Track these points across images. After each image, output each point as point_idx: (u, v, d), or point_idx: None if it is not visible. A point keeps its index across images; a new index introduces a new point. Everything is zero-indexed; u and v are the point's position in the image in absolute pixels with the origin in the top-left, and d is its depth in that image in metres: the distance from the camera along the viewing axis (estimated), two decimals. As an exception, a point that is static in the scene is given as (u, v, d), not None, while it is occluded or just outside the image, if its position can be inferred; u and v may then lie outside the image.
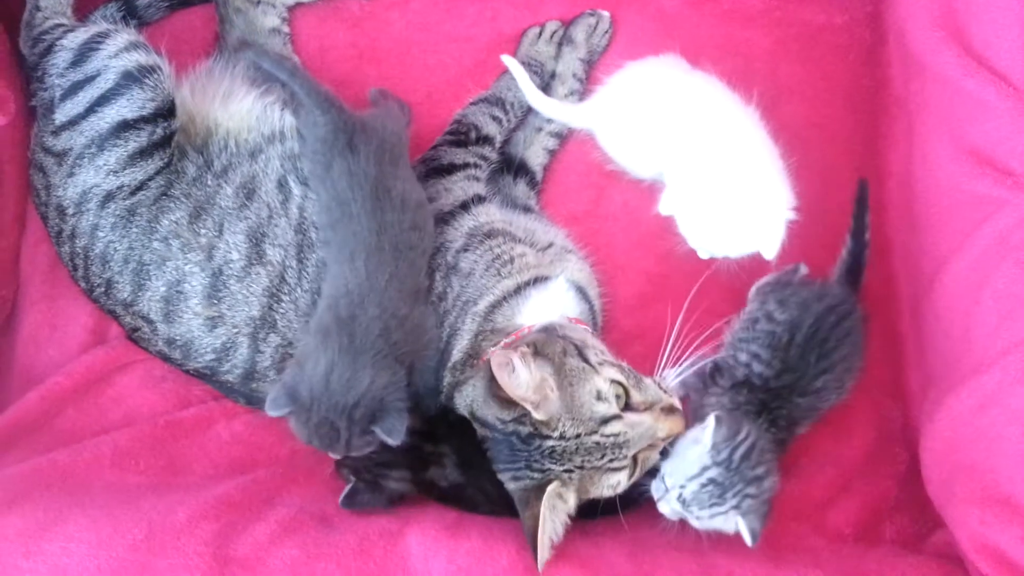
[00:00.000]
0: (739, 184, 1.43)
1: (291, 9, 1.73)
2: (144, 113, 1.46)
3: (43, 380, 1.55)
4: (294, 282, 1.48)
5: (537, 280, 1.50)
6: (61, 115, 1.49)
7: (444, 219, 1.53)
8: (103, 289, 1.52)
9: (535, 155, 1.69)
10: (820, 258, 1.59)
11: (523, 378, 1.30)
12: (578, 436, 1.32)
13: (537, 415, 1.31)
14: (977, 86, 1.32)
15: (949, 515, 1.36)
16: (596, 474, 1.34)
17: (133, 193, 1.48)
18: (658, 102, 1.54)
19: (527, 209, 1.65)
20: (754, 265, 1.49)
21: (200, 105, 1.56)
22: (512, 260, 1.51)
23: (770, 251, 1.43)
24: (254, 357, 1.49)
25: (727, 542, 1.37)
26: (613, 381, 1.36)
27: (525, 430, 1.33)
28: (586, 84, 1.69)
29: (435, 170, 1.59)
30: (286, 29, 1.73)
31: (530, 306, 1.48)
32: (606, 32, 1.71)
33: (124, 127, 1.45)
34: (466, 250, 1.51)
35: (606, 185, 1.68)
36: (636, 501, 1.42)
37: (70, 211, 1.50)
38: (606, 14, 1.71)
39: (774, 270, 1.55)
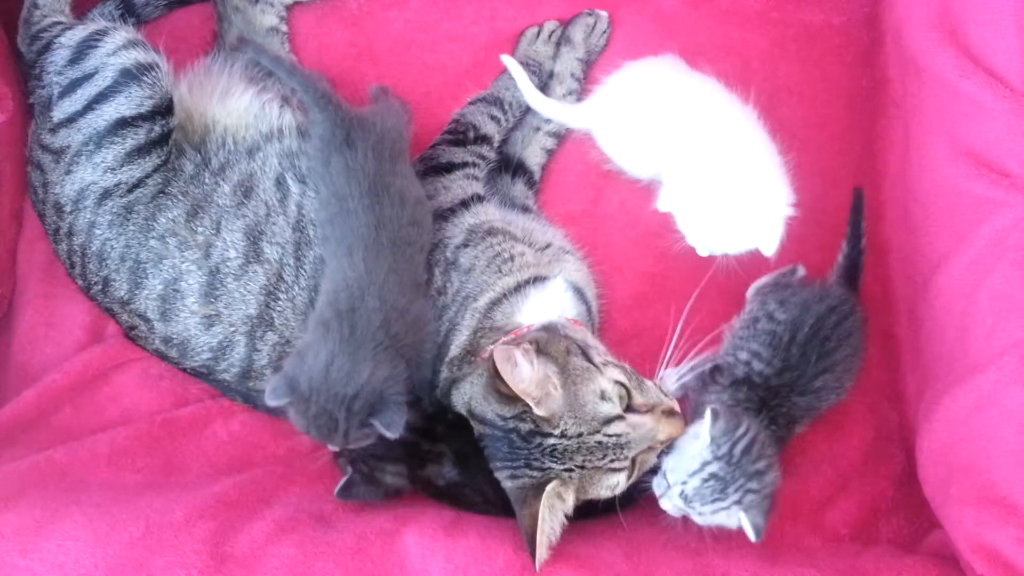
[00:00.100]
0: (738, 180, 1.43)
1: (289, 8, 1.74)
2: (142, 111, 1.46)
3: (40, 378, 1.54)
4: (292, 280, 1.48)
5: (536, 279, 1.50)
6: (59, 112, 1.49)
7: (443, 216, 1.53)
8: (100, 287, 1.52)
9: (533, 155, 1.69)
10: (817, 258, 1.60)
11: (525, 373, 1.30)
12: (580, 435, 1.32)
13: (538, 411, 1.31)
14: (974, 87, 1.33)
15: (945, 515, 1.36)
16: (596, 474, 1.34)
17: (130, 190, 1.48)
18: (656, 102, 1.54)
19: (525, 209, 1.65)
20: (753, 265, 1.50)
21: (198, 102, 1.56)
22: (512, 258, 1.51)
23: (769, 248, 1.42)
24: (251, 355, 1.48)
25: (724, 542, 1.37)
26: (617, 382, 1.36)
27: (526, 427, 1.33)
28: (584, 84, 1.69)
29: (434, 169, 1.59)
30: (284, 28, 1.73)
31: (529, 305, 1.48)
32: (604, 32, 1.71)
33: (122, 124, 1.45)
34: (466, 246, 1.51)
35: (604, 185, 1.69)
36: (634, 500, 1.42)
37: (67, 208, 1.50)
38: (604, 14, 1.71)
39: (772, 270, 1.56)
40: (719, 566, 1.34)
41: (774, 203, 1.43)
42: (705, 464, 1.32)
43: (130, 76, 1.45)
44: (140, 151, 1.47)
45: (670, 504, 1.36)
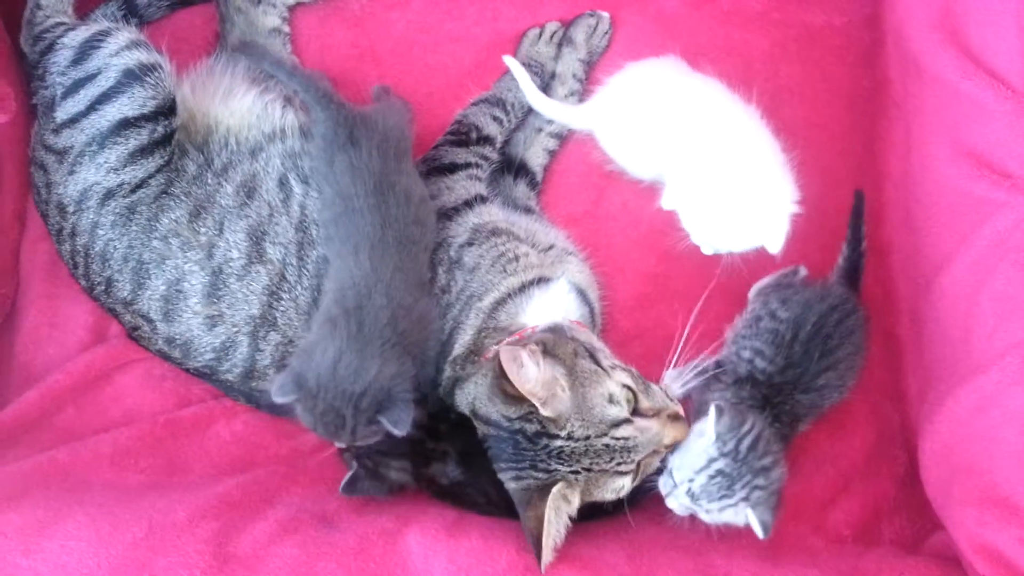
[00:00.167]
0: (743, 178, 1.43)
1: (292, 9, 1.74)
2: (145, 111, 1.46)
3: (43, 378, 1.55)
4: (294, 280, 1.48)
5: (540, 280, 1.50)
6: (62, 113, 1.49)
7: (447, 215, 1.53)
8: (103, 287, 1.52)
9: (535, 156, 1.69)
10: (818, 259, 1.60)
11: (531, 373, 1.30)
12: (587, 438, 1.32)
13: (545, 412, 1.30)
14: (975, 88, 1.33)
15: (947, 516, 1.36)
16: (602, 477, 1.34)
17: (133, 191, 1.48)
18: (658, 103, 1.54)
19: (528, 210, 1.65)
20: (757, 264, 1.50)
21: (201, 103, 1.56)
22: (517, 259, 1.51)
23: (775, 245, 1.42)
24: (254, 356, 1.49)
25: (726, 543, 1.37)
26: (624, 386, 1.36)
27: (532, 428, 1.32)
28: (586, 85, 1.70)
29: (437, 169, 1.59)
30: (286, 29, 1.73)
31: (533, 306, 1.48)
32: (606, 33, 1.71)
33: (125, 125, 1.45)
34: (470, 245, 1.51)
35: (606, 186, 1.69)
36: (638, 500, 1.42)
37: (70, 209, 1.50)
38: (606, 15, 1.71)
39: (776, 269, 1.56)
40: (721, 566, 1.34)
41: (780, 200, 1.43)
42: (711, 461, 1.32)
43: (133, 77, 1.45)
44: (143, 152, 1.47)
45: (677, 503, 1.36)
